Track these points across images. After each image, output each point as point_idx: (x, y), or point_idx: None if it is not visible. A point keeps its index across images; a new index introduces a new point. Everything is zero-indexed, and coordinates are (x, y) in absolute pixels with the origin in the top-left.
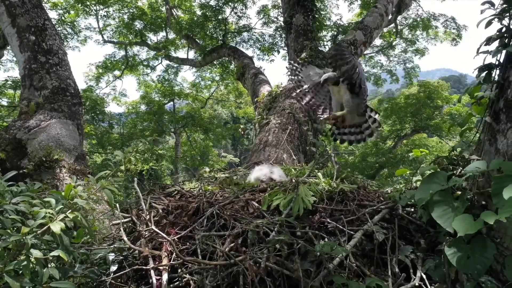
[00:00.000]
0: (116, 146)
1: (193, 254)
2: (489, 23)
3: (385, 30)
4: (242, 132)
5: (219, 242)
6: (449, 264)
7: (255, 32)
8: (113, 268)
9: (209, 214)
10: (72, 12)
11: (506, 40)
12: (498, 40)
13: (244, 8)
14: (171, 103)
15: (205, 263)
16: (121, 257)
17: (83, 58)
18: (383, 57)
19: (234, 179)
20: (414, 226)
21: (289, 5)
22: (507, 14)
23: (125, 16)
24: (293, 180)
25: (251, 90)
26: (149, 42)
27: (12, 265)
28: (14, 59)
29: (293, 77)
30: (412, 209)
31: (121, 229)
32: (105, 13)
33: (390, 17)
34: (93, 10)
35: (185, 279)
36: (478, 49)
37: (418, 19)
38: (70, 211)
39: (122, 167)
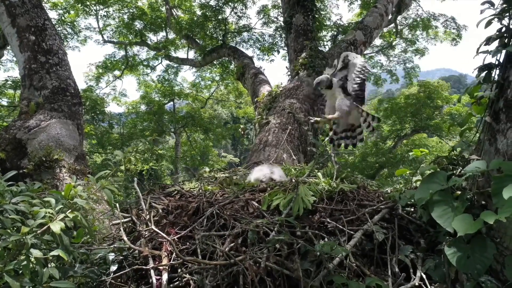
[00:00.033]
0: (116, 146)
1: (193, 254)
2: (489, 23)
3: (385, 30)
4: (242, 132)
5: (219, 242)
6: (449, 264)
7: (255, 32)
8: (113, 268)
9: (209, 214)
10: (72, 12)
11: (506, 40)
12: (498, 40)
13: (244, 8)
14: (171, 103)
15: (205, 263)
16: (121, 257)
17: (83, 58)
18: (383, 57)
19: (234, 179)
20: (414, 226)
21: (289, 5)
22: (507, 14)
23: (125, 16)
24: (293, 180)
25: (251, 90)
26: (149, 42)
27: (12, 265)
28: (14, 59)
29: None
30: (412, 209)
31: (121, 229)
32: (105, 13)
33: (390, 17)
34: (93, 10)
35: (185, 279)
36: (478, 49)
37: (418, 19)
38: (70, 211)
39: (122, 167)
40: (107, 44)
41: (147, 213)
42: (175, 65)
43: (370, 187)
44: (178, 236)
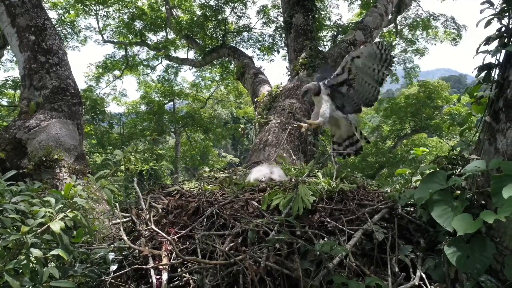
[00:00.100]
0: (116, 146)
1: (193, 253)
2: (488, 23)
3: (385, 30)
4: (242, 132)
5: (219, 242)
6: (448, 264)
7: (255, 32)
8: (113, 267)
9: (209, 214)
10: (72, 12)
11: (506, 39)
12: (498, 39)
13: (244, 8)
14: (171, 103)
15: (205, 262)
16: (121, 257)
17: (83, 58)
18: None
19: (234, 179)
20: (414, 226)
21: (289, 5)
22: (507, 14)
23: (125, 16)
24: (293, 180)
25: (251, 90)
26: (149, 42)
27: (12, 264)
28: (14, 59)
29: None
30: (412, 209)
31: (121, 228)
32: (105, 13)
33: (390, 17)
34: (93, 10)
35: (185, 279)
36: (478, 48)
37: (418, 19)
38: (69, 210)
39: (122, 167)
40: (107, 44)
41: (147, 212)
42: (175, 65)
43: (370, 186)
44: (178, 235)
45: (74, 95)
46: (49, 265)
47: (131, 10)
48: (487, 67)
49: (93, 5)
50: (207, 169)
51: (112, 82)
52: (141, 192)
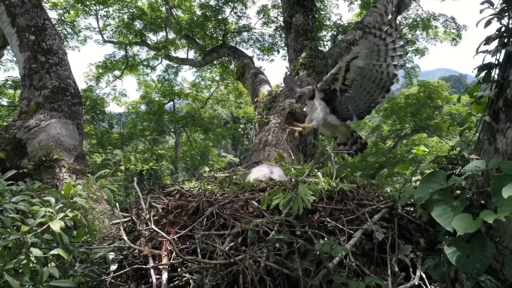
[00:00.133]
0: (116, 146)
1: (193, 253)
2: (488, 23)
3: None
4: (242, 132)
5: (219, 241)
6: (448, 263)
7: (255, 32)
8: (113, 267)
9: (209, 214)
10: (72, 12)
11: (505, 39)
12: (498, 39)
13: (244, 8)
14: (171, 103)
15: (205, 262)
16: (121, 256)
17: (83, 58)
18: None
19: (234, 178)
20: (414, 225)
21: (289, 5)
22: (506, 14)
23: (125, 16)
24: (293, 180)
25: (251, 90)
26: (149, 42)
27: (12, 264)
28: (14, 59)
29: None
30: (412, 209)
31: (121, 228)
32: (105, 13)
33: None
34: (93, 10)
35: (185, 278)
36: (478, 48)
37: (418, 19)
38: (69, 210)
39: (122, 167)
40: (107, 44)
41: (147, 212)
42: (175, 65)
43: (370, 186)
44: (178, 235)
45: (74, 95)
46: (49, 265)
47: (131, 10)
48: (487, 67)
49: (93, 5)
50: (207, 169)
51: (112, 82)
52: (141, 192)
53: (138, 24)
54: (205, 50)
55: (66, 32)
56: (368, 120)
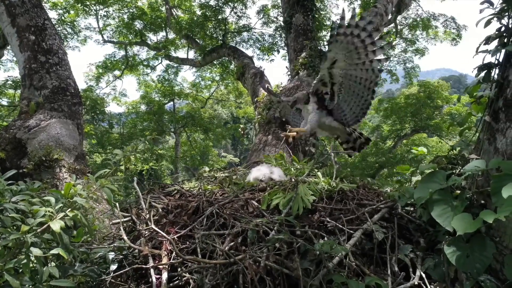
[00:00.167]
0: (116, 146)
1: (193, 253)
2: (488, 23)
3: (385, 30)
4: (242, 132)
5: (218, 241)
6: (448, 263)
7: (255, 32)
8: (113, 267)
9: (209, 213)
10: (72, 12)
11: (505, 39)
12: (497, 39)
13: (244, 8)
14: (171, 103)
15: (205, 262)
16: (121, 256)
17: (83, 58)
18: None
19: (234, 178)
20: (414, 225)
21: (289, 4)
22: (506, 14)
23: (125, 16)
24: (293, 180)
25: (251, 90)
26: (149, 42)
27: (12, 263)
28: (14, 59)
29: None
30: (412, 208)
31: (121, 228)
32: (105, 13)
33: (390, 17)
34: (93, 10)
35: (184, 278)
36: (477, 48)
37: (418, 19)
38: (69, 209)
39: (122, 167)
40: (107, 44)
41: (147, 212)
42: (175, 65)
43: (370, 186)
44: (178, 235)
45: (74, 95)
46: (49, 265)
47: (131, 10)
48: (487, 66)
49: (93, 5)
50: (207, 169)
51: (112, 82)
52: (141, 191)
53: (138, 24)
54: (205, 50)
55: (66, 32)
56: (368, 120)
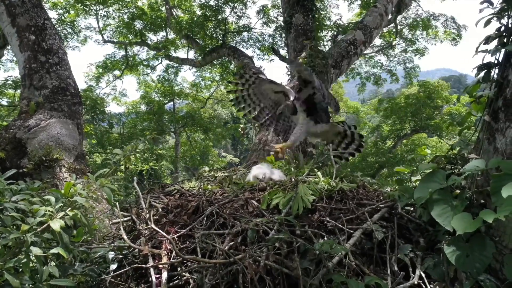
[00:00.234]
0: (116, 146)
1: (193, 252)
2: (488, 22)
3: (385, 30)
4: (242, 132)
5: (218, 241)
6: (448, 263)
7: (255, 32)
8: (113, 266)
9: (209, 213)
10: (72, 12)
11: (505, 39)
12: (497, 39)
13: (244, 8)
14: (171, 103)
15: (205, 261)
16: (121, 256)
17: (83, 58)
18: (383, 57)
19: (234, 178)
20: (414, 225)
21: (289, 4)
22: (506, 13)
23: (125, 16)
24: (293, 179)
25: None
26: (149, 42)
27: (12, 263)
28: (14, 58)
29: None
30: (412, 208)
31: (121, 227)
32: (105, 13)
33: (390, 17)
34: (93, 10)
35: (184, 278)
36: (477, 48)
37: (418, 19)
38: (69, 209)
39: (122, 167)
40: (107, 44)
41: (147, 212)
42: (175, 65)
43: (370, 186)
44: (177, 235)
45: (74, 95)
46: (49, 264)
47: (131, 10)
48: (487, 66)
49: (93, 5)
50: (207, 168)
51: (112, 82)
52: (141, 191)
53: (138, 24)
54: (205, 50)
55: (66, 32)
56: (368, 120)
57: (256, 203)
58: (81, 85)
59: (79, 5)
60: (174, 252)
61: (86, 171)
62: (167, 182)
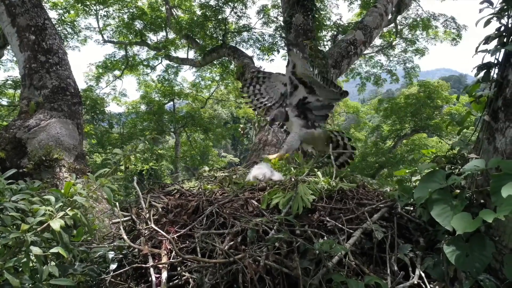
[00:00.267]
0: (116, 146)
1: (193, 252)
2: (487, 22)
3: (385, 30)
4: (242, 132)
5: (218, 241)
6: (448, 262)
7: (255, 32)
8: (113, 266)
9: (209, 213)
10: (72, 12)
11: (505, 38)
12: (497, 39)
13: (244, 8)
14: (171, 103)
15: (205, 261)
16: (120, 256)
17: (83, 58)
18: (383, 57)
19: (234, 178)
20: (413, 225)
21: (289, 4)
22: (506, 13)
23: (125, 16)
24: (293, 179)
25: None
26: (149, 42)
27: (12, 262)
28: (14, 58)
29: (248, 89)
30: (411, 208)
31: (121, 227)
32: (105, 13)
33: (390, 17)
34: (93, 10)
35: (184, 277)
36: (477, 48)
37: (418, 19)
38: (69, 208)
39: (122, 166)
40: (107, 44)
41: (147, 211)
42: (175, 65)
43: (370, 186)
44: (177, 234)
45: (74, 95)
46: (49, 264)
47: (131, 10)
48: (486, 66)
49: (93, 5)
50: (207, 168)
51: (112, 82)
52: (141, 191)
53: (138, 24)
54: (205, 50)
55: (66, 32)
56: (368, 120)
57: (256, 203)
58: (81, 85)
59: (79, 5)
60: (174, 251)
61: (86, 171)
62: (167, 182)
